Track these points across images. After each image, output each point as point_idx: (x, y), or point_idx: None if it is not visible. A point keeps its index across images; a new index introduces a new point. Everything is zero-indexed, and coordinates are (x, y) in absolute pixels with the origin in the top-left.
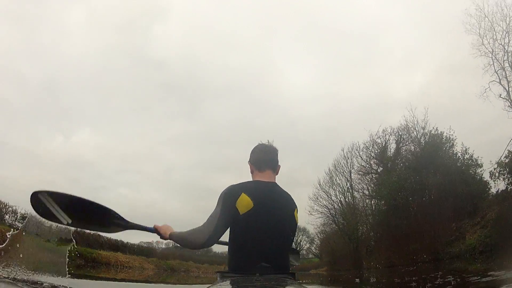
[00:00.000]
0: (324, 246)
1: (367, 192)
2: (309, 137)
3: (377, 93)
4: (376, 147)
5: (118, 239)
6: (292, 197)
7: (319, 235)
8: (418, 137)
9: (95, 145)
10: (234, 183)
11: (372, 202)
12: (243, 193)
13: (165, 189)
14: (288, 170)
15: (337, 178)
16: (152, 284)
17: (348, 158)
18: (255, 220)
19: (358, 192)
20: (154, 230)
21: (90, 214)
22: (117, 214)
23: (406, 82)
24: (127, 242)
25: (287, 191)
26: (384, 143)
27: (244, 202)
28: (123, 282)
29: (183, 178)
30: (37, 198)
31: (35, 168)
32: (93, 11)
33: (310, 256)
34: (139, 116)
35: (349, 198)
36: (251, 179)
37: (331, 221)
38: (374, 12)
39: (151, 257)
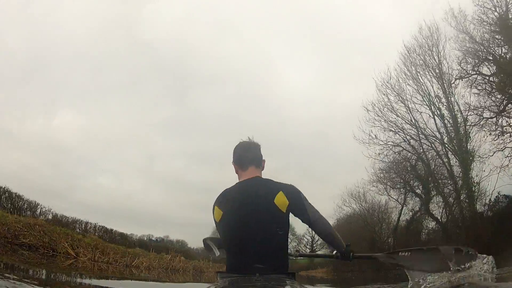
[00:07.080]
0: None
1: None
2: (297, 139)
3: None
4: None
5: None
6: (278, 181)
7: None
8: None
9: (77, 127)
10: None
11: None
12: (215, 206)
13: (147, 178)
14: (270, 171)
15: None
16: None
17: (435, 38)
18: (227, 225)
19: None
20: None
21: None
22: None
23: None
24: None
25: (269, 178)
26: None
27: (217, 213)
28: None
29: (165, 168)
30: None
31: (13, 150)
32: None
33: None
34: (124, 98)
35: (450, 115)
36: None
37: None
38: (381, 22)
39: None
